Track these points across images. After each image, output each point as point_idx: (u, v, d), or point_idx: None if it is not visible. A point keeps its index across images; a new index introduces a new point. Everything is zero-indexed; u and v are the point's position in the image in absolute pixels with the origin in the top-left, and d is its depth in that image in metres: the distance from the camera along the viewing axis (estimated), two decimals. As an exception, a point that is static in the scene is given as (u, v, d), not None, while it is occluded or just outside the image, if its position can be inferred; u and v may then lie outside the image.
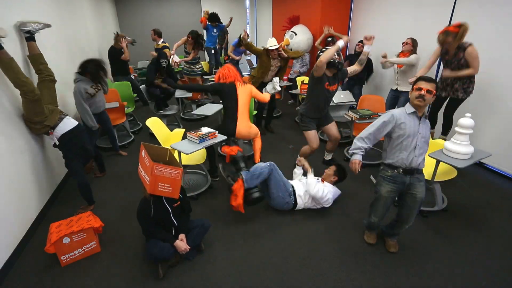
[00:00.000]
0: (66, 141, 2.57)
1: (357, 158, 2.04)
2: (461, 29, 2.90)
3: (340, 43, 2.70)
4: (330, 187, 2.71)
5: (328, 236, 2.44)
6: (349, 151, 2.05)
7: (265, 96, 3.35)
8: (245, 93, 3.13)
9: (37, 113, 2.44)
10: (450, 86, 3.27)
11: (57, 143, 2.55)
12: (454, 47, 3.04)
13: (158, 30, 5.65)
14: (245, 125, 3.12)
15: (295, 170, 3.00)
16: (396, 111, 2.02)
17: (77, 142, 2.63)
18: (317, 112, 3.09)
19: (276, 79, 3.57)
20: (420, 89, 1.91)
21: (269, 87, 3.64)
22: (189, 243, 2.12)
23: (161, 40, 5.65)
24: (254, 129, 3.26)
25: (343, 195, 2.84)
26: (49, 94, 2.64)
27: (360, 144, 2.05)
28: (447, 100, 3.41)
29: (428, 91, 1.89)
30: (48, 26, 2.74)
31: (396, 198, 2.19)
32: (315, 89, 2.93)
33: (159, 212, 2.07)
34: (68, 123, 2.59)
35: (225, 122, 3.11)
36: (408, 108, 2.00)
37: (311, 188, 2.60)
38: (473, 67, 3.02)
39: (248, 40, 4.30)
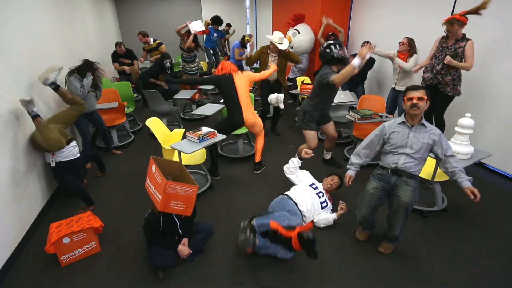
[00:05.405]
0: (61, 167, 2.67)
1: (349, 173, 2.20)
2: (472, 8, 2.90)
3: (356, 62, 2.51)
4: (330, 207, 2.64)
5: (328, 236, 2.44)
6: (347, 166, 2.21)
7: (263, 73, 3.35)
8: (243, 80, 3.14)
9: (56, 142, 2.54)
10: (440, 75, 3.26)
11: (54, 165, 2.63)
12: (459, 33, 3.07)
13: (143, 32, 5.78)
14: (251, 113, 3.18)
15: (293, 159, 2.73)
16: (388, 122, 2.12)
17: (72, 170, 2.74)
18: (323, 111, 3.11)
19: (281, 97, 3.53)
20: (411, 98, 1.95)
21: (273, 100, 3.59)
22: (192, 247, 2.11)
23: (151, 38, 5.85)
24: (258, 120, 3.29)
25: (343, 195, 2.84)
26: (64, 114, 2.88)
27: (354, 160, 2.21)
28: (436, 101, 3.39)
29: (419, 98, 1.93)
30: (61, 68, 2.90)
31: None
32: (327, 91, 2.95)
33: (167, 225, 2.05)
34: (72, 152, 2.72)
35: (231, 114, 3.12)
36: (400, 117, 2.06)
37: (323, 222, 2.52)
38: (469, 63, 3.05)
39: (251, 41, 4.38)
